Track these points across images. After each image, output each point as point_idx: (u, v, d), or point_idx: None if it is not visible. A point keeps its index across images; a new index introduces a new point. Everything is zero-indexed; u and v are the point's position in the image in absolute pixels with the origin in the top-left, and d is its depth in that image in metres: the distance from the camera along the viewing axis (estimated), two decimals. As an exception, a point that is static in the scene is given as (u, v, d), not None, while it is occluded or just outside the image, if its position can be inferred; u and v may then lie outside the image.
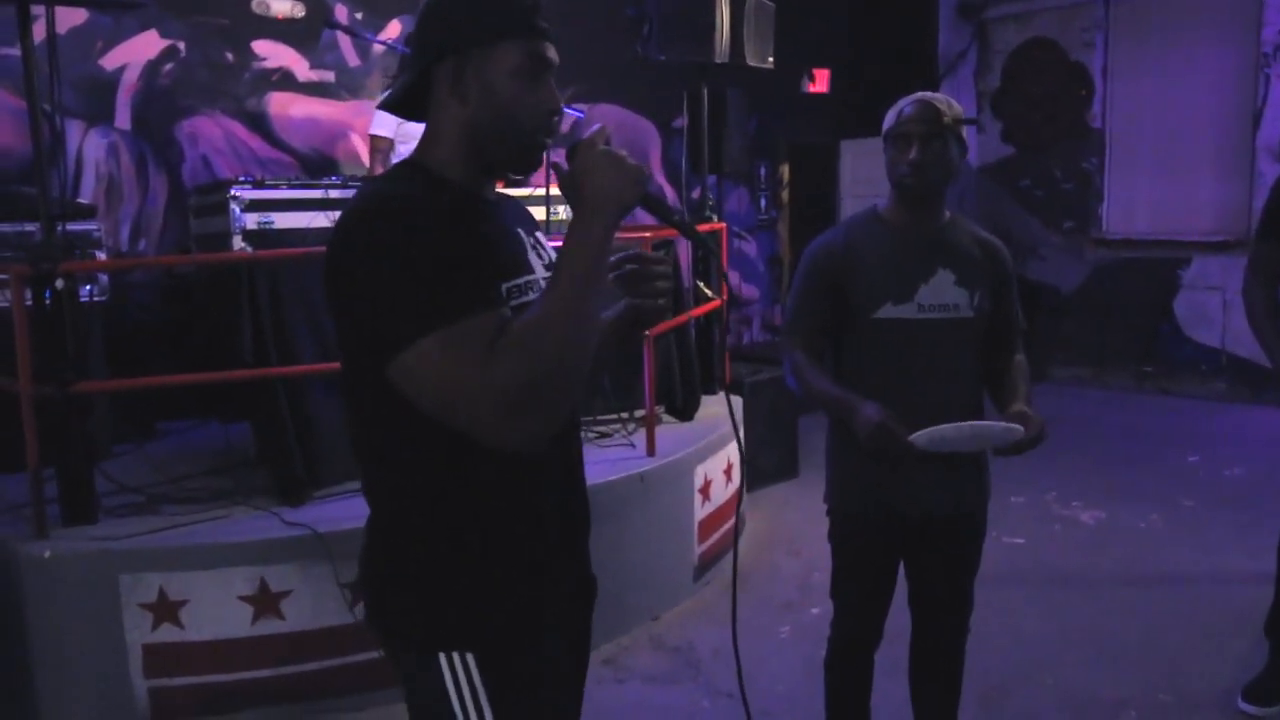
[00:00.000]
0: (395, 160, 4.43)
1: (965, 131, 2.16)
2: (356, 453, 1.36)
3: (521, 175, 1.41)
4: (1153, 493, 4.88)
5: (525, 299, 1.30)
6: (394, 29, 5.46)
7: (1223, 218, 6.89)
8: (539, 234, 1.47)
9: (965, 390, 2.17)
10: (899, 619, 2.33)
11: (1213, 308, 6.90)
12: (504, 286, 1.27)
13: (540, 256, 1.41)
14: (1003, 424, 2.00)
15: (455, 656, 1.28)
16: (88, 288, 3.69)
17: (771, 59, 5.03)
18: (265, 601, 2.85)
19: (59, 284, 2.92)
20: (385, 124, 4.46)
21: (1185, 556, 4.09)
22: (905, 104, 2.12)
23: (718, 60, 4.61)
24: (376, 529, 1.37)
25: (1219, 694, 2.94)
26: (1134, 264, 7.34)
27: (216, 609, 2.82)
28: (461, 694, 1.27)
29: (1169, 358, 7.21)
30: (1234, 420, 6.36)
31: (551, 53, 1.32)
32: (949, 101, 2.12)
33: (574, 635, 1.48)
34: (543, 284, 1.35)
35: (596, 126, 1.29)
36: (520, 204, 1.51)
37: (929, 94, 2.14)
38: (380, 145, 4.49)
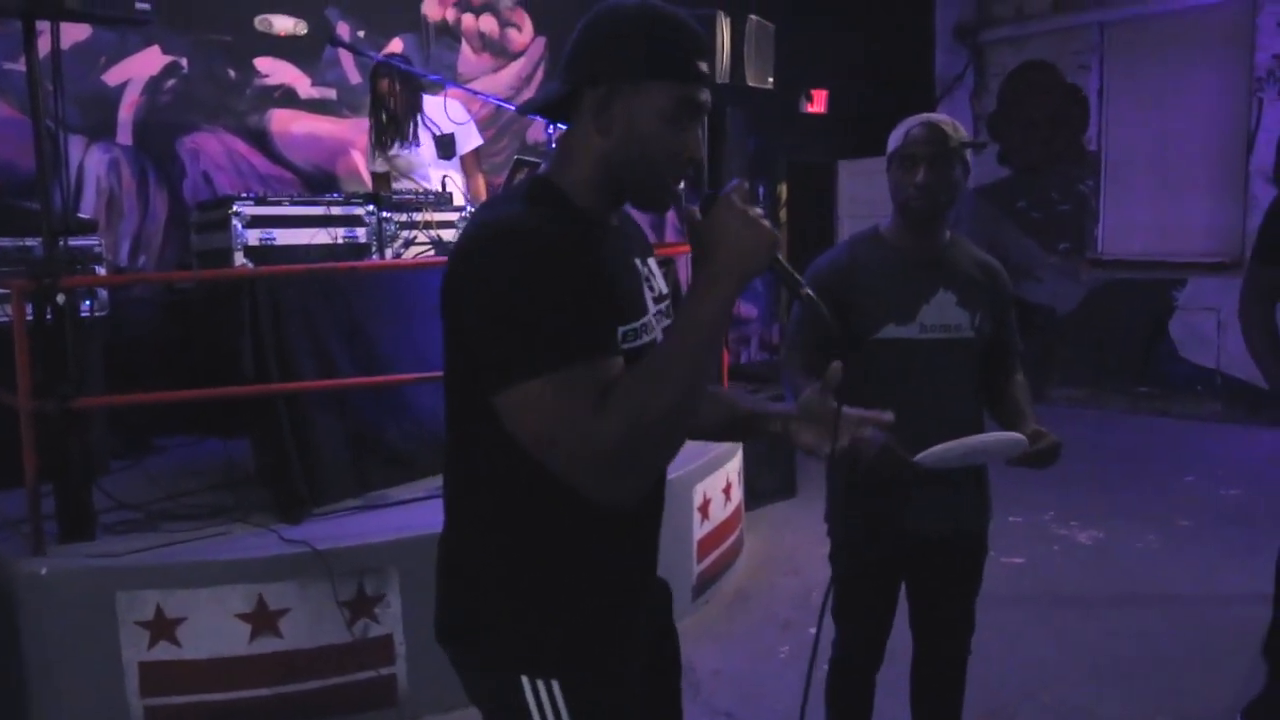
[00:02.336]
0: (396, 186, 4.44)
1: (968, 154, 2.18)
2: (447, 465, 1.35)
3: (648, 213, 1.41)
4: (1150, 513, 4.88)
5: (639, 342, 1.28)
6: (396, 45, 5.49)
7: (1217, 239, 6.93)
8: (652, 260, 1.45)
9: (966, 410, 2.18)
10: (899, 639, 2.33)
11: (1208, 329, 6.93)
12: (621, 330, 1.25)
13: (652, 289, 1.39)
14: (1004, 433, 2.00)
15: (540, 683, 1.27)
16: (88, 303, 3.69)
17: (771, 79, 5.07)
18: (263, 619, 2.84)
19: (60, 299, 2.92)
20: (373, 163, 4.50)
21: (1183, 576, 4.09)
22: (912, 125, 2.13)
23: (718, 80, 4.64)
24: (458, 547, 1.36)
25: (1218, 714, 2.94)
26: (1130, 285, 7.38)
27: (214, 627, 2.81)
28: (545, 716, 1.27)
29: (1165, 378, 7.23)
30: (1230, 441, 6.37)
31: (704, 97, 1.28)
32: (955, 124, 2.13)
33: (658, 646, 1.51)
34: (654, 324, 1.34)
35: (735, 182, 1.25)
36: (639, 227, 1.49)
37: (935, 115, 2.14)
38: (379, 183, 4.51)
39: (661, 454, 1.18)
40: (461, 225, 3.77)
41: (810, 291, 1.28)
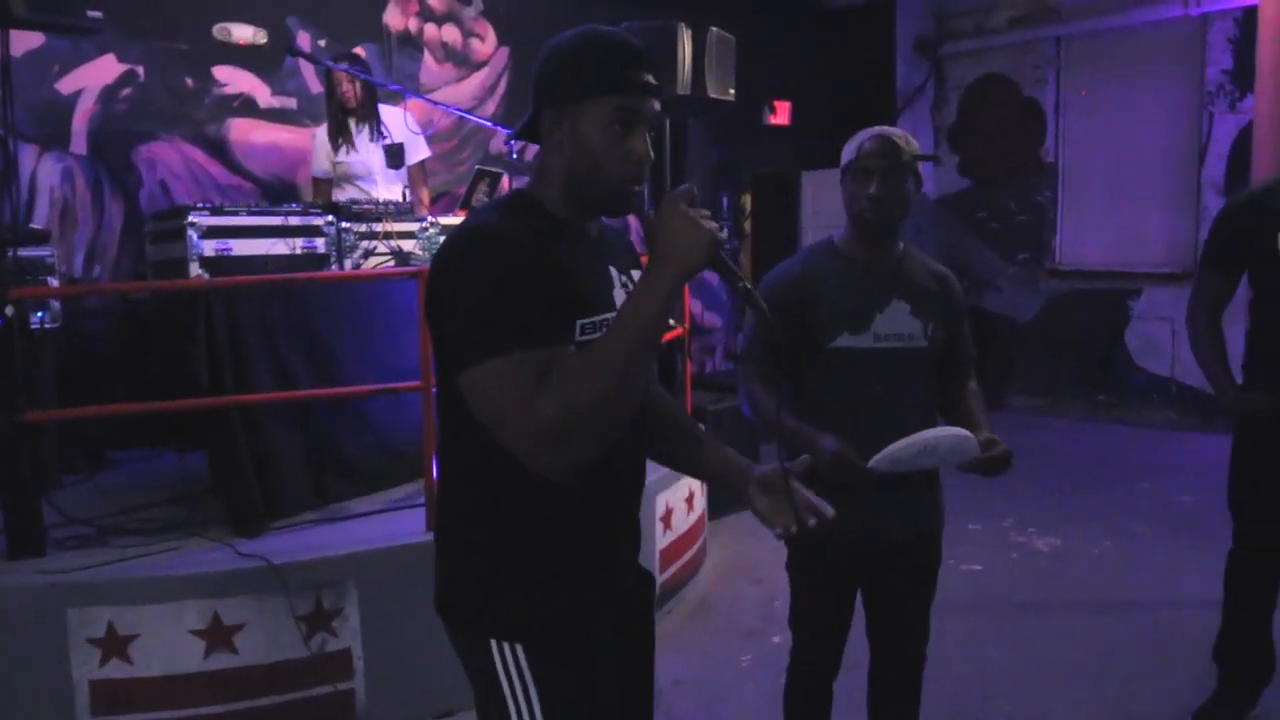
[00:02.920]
0: (338, 194, 4.42)
1: (920, 166, 2.21)
2: (439, 451, 1.51)
3: (614, 217, 1.52)
4: (1106, 519, 4.96)
5: (598, 335, 1.38)
6: (358, 52, 5.46)
7: (1171, 250, 7.07)
8: (636, 272, 1.55)
9: (921, 418, 2.19)
10: (857, 648, 2.34)
11: (1163, 338, 7.07)
12: (580, 323, 1.37)
13: (628, 293, 1.47)
14: (953, 430, 2.03)
15: (506, 645, 1.40)
16: (39, 314, 3.63)
17: (733, 91, 5.10)
18: (218, 635, 2.80)
19: (9, 310, 2.87)
20: (320, 167, 4.48)
21: (1137, 582, 4.16)
22: (864, 138, 2.16)
23: (680, 92, 4.67)
24: (445, 524, 1.50)
25: (1170, 718, 2.98)
26: (1087, 295, 7.50)
27: (167, 644, 2.76)
28: (511, 679, 1.40)
29: (1122, 387, 7.35)
30: (1184, 448, 6.49)
31: (645, 105, 1.40)
32: (906, 137, 2.16)
33: (635, 627, 1.61)
34: None
35: (685, 186, 1.34)
36: (624, 239, 1.61)
37: (887, 129, 2.17)
38: (320, 188, 4.49)
39: (597, 432, 1.28)
40: (421, 235, 3.75)
41: (748, 284, 1.36)
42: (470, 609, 1.46)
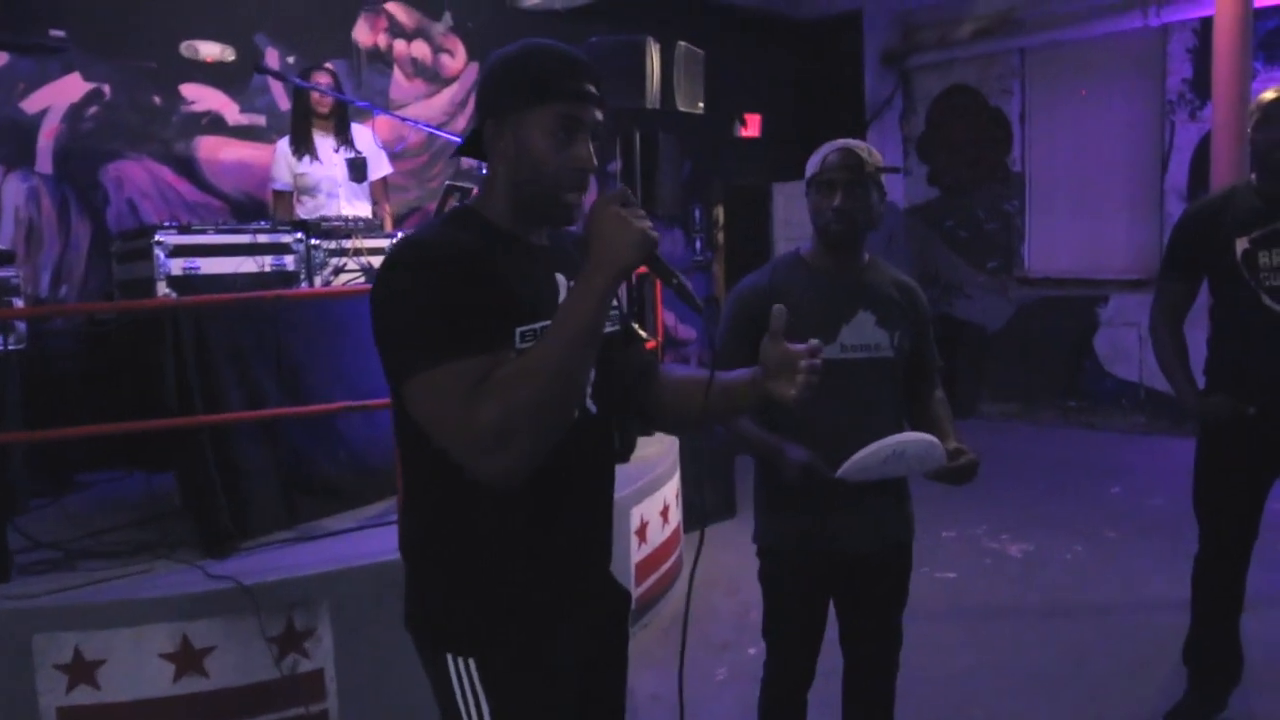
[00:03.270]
0: (302, 207, 4.41)
1: (885, 178, 2.23)
2: (400, 468, 1.52)
3: (556, 227, 1.52)
4: (1078, 524, 5.01)
5: None
6: (323, 79, 5.45)
7: (1136, 257, 7.17)
8: None
9: (888, 427, 2.21)
10: (830, 658, 2.35)
11: (1130, 343, 7.16)
12: (519, 330, 1.38)
13: None
14: (918, 435, 2.05)
15: (460, 660, 1.42)
16: (4, 336, 3.58)
17: (702, 104, 5.13)
18: (188, 659, 2.76)
19: (-28, 333, 2.84)
20: (281, 178, 4.45)
21: (1109, 586, 4.20)
22: (829, 151, 2.18)
23: (649, 106, 4.69)
24: (407, 538, 1.52)
25: (1142, 721, 3.02)
26: (1055, 302, 7.59)
27: (136, 668, 2.72)
28: (465, 694, 1.42)
29: (1092, 392, 7.43)
30: (1154, 452, 6.57)
31: (586, 113, 1.41)
32: (869, 149, 2.19)
33: (606, 642, 1.61)
34: None
35: (619, 187, 1.38)
36: (578, 248, 1.55)
37: (851, 141, 2.20)
38: (281, 197, 4.47)
39: (536, 435, 1.27)
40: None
41: (683, 281, 1.38)
42: (429, 623, 1.47)
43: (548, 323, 1.38)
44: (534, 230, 1.49)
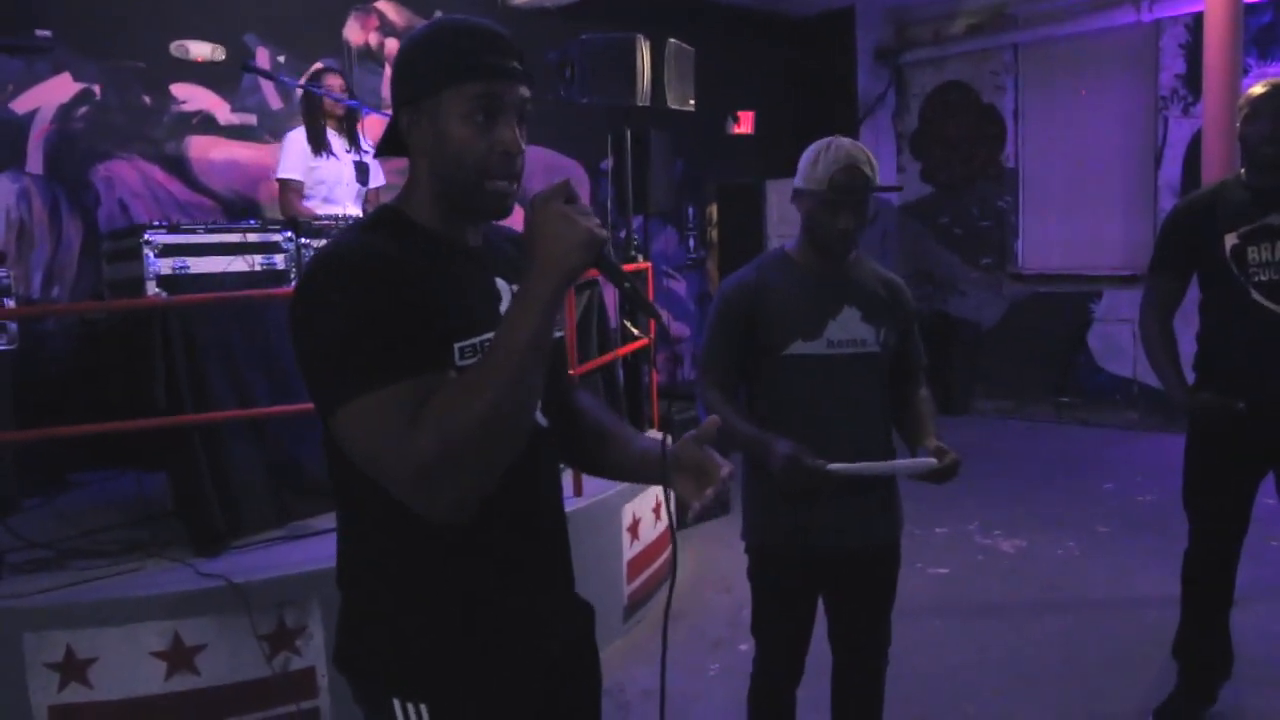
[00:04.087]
0: (308, 201, 4.41)
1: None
2: (334, 498, 1.35)
3: (489, 220, 1.36)
4: (1071, 520, 5.02)
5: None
6: (335, 82, 5.45)
7: (1130, 252, 7.18)
8: None
9: (874, 423, 2.23)
10: (820, 654, 2.36)
11: (1124, 339, 7.17)
12: (457, 346, 1.23)
13: None
14: (914, 460, 2.07)
15: (410, 705, 1.28)
16: (-5, 336, 3.58)
17: (693, 101, 5.13)
18: (179, 657, 2.76)
19: (-38, 333, 2.83)
20: (293, 166, 4.43)
21: (1101, 582, 4.21)
22: (834, 168, 2.10)
23: (639, 103, 4.69)
24: (344, 573, 1.37)
25: (1131, 715, 3.02)
26: (1049, 298, 7.60)
27: (127, 666, 2.72)
28: None
29: (1085, 389, 7.45)
30: (1147, 448, 6.58)
31: (508, 92, 1.25)
32: (871, 161, 2.14)
33: (572, 666, 1.48)
34: None
35: (562, 180, 1.21)
36: (515, 247, 1.39)
37: (855, 154, 2.11)
38: (292, 188, 4.45)
39: (482, 463, 1.13)
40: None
41: (634, 285, 1.23)
42: (372, 664, 1.32)
43: (489, 336, 1.24)
44: (466, 229, 1.33)
